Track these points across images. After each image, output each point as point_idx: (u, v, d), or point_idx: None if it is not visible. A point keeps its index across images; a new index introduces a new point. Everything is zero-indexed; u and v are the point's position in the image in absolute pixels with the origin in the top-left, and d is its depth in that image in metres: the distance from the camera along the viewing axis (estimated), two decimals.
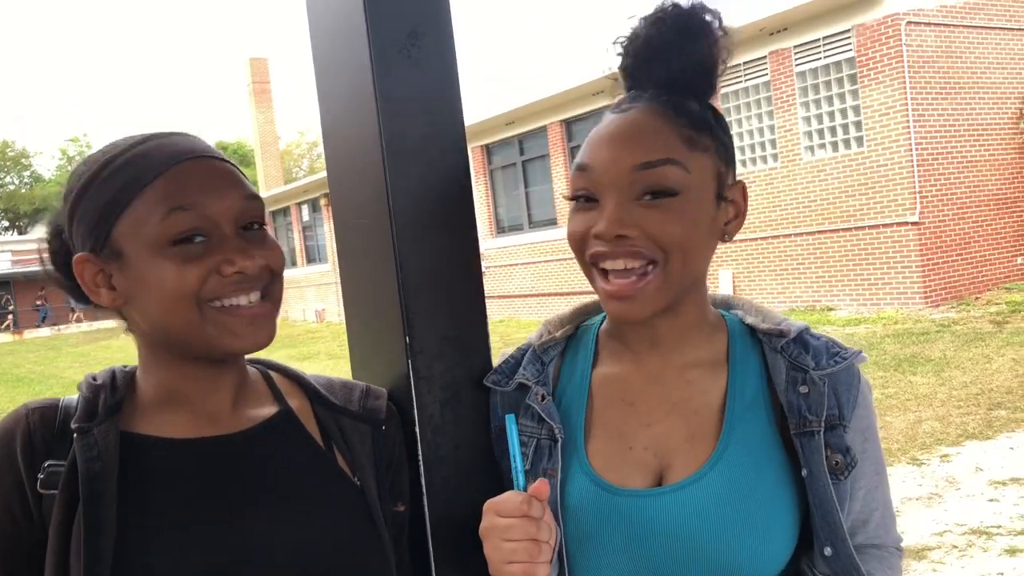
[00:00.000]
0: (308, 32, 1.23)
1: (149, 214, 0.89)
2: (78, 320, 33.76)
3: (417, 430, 1.11)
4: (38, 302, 37.07)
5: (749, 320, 1.10)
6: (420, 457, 1.11)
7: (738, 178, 1.06)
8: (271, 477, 0.97)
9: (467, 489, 1.14)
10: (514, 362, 1.14)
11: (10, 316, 37.08)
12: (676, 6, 1.00)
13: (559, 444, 1.05)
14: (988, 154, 11.22)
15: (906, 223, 10.43)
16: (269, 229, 1.00)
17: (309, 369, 1.16)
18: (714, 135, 1.01)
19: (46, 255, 0.99)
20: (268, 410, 1.03)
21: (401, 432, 1.11)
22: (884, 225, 10.65)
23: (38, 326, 35.59)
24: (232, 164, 0.97)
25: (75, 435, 0.89)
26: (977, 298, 10.70)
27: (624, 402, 1.08)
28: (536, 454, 1.08)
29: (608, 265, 0.99)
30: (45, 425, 0.91)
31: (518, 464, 0.98)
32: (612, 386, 1.10)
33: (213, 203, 0.90)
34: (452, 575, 1.12)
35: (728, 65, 1.03)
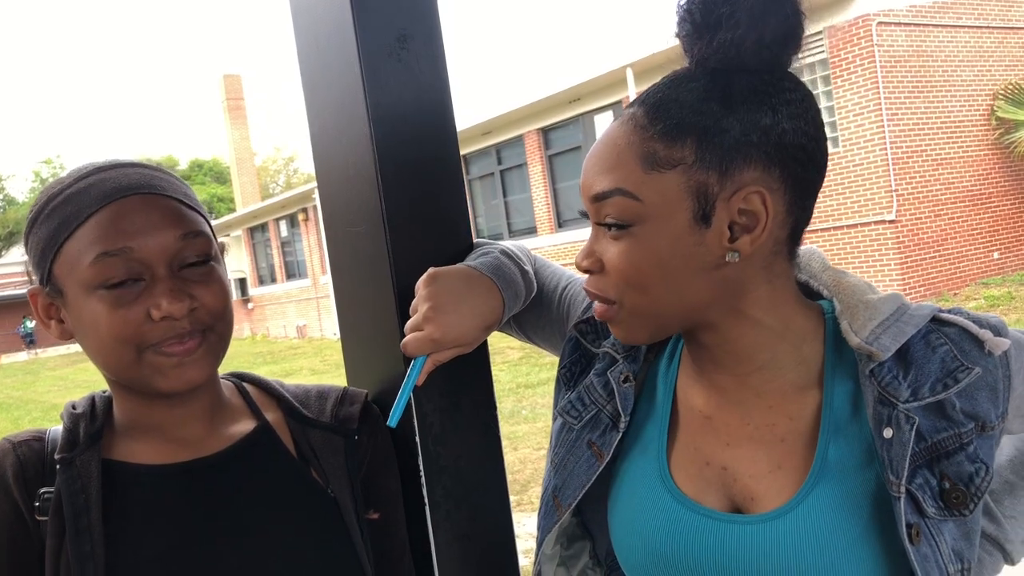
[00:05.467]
0: (294, 40, 1.21)
1: (80, 256, 0.87)
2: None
3: (417, 439, 1.08)
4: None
5: (843, 325, 0.89)
6: (421, 468, 1.08)
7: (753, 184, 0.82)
8: (246, 497, 0.96)
9: (470, 499, 1.12)
10: None
11: None
12: None
13: (618, 435, 0.96)
14: (962, 151, 11.35)
15: (883, 221, 10.52)
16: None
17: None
18: (705, 137, 0.81)
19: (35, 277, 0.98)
20: (245, 426, 1.02)
21: (381, 436, 1.08)
22: (862, 224, 10.73)
23: None
24: (175, 198, 0.93)
25: (58, 466, 0.88)
26: (956, 294, 10.79)
27: (702, 415, 0.94)
28: (592, 423, 0.99)
29: None
30: (35, 455, 0.91)
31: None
32: (692, 393, 0.96)
33: (144, 245, 0.88)
34: None
35: (801, 38, 0.82)
